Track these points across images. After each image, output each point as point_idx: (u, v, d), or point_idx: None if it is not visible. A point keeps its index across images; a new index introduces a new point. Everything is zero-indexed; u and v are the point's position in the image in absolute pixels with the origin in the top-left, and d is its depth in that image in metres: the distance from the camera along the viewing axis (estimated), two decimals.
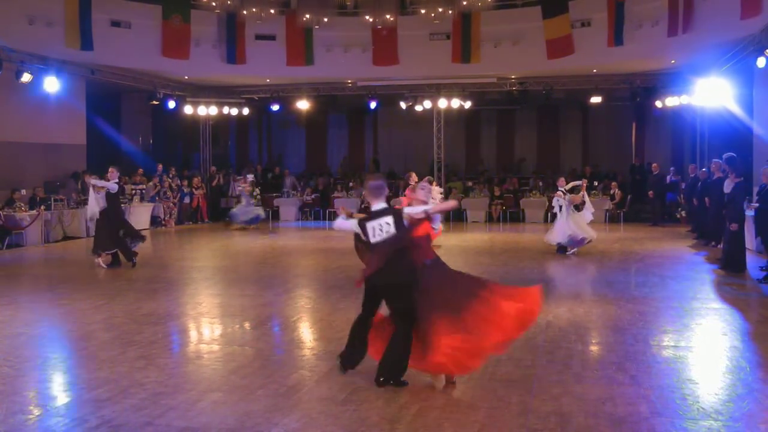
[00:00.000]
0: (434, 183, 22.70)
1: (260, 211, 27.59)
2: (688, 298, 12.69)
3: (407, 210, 7.86)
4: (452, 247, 20.88)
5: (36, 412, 7.10)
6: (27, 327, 10.72)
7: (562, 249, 18.84)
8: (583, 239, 18.65)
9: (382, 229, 7.65)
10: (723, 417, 6.69)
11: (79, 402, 7.25)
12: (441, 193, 22.62)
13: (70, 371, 8.43)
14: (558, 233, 18.80)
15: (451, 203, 9.08)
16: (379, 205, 7.80)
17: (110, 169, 17.26)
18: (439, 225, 7.89)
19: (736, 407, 7.02)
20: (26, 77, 21.95)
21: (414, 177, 22.78)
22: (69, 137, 26.28)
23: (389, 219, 7.66)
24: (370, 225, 7.71)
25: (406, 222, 7.72)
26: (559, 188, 18.88)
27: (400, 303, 7.58)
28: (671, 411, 6.82)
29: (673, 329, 10.41)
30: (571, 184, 19.51)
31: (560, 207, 18.69)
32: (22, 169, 23.75)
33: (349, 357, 7.85)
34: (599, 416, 6.69)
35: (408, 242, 7.72)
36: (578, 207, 18.99)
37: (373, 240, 7.69)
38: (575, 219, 18.76)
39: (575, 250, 18.82)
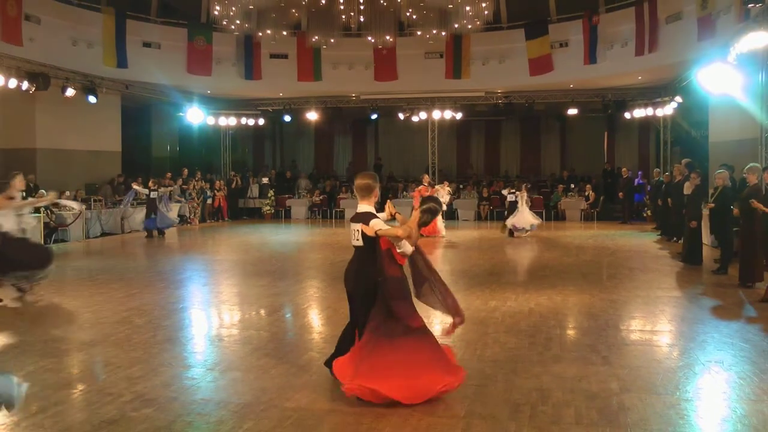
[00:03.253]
0: (446, 184, 23.39)
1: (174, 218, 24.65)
2: (653, 287, 12.69)
3: (371, 222, 6.52)
4: (444, 242, 20.90)
5: (80, 387, 7.12)
6: (71, 313, 10.75)
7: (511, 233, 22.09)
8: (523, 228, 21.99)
9: (354, 235, 6.76)
10: (681, 392, 6.72)
11: (115, 379, 7.26)
12: (450, 193, 22.87)
13: (107, 352, 8.44)
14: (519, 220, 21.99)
15: (398, 231, 6.31)
16: (362, 206, 6.80)
17: (16, 177, 11.75)
18: (405, 248, 6.43)
19: (694, 383, 7.05)
20: (70, 92, 22.18)
21: (427, 178, 23.23)
22: (106, 145, 26.39)
23: (359, 227, 6.67)
24: (351, 225, 6.84)
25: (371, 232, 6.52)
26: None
27: (355, 305, 6.86)
28: (638, 387, 6.83)
29: (640, 315, 10.44)
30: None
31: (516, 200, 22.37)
32: (66, 173, 23.87)
33: (331, 359, 7.05)
34: (575, 392, 6.72)
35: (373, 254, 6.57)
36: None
37: (352, 242, 6.84)
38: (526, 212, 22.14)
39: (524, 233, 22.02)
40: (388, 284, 6.45)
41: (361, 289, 6.70)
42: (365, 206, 6.76)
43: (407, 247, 6.50)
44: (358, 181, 6.89)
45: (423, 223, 6.71)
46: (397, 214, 6.96)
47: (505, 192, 23.72)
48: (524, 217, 22.03)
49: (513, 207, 22.45)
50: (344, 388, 6.37)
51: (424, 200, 6.87)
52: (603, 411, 6.20)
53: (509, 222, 22.27)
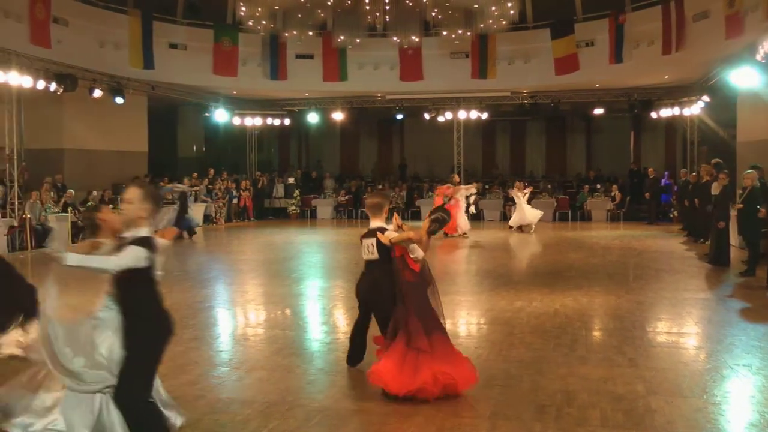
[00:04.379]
0: (474, 185, 24.29)
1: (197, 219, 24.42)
2: (679, 289, 12.60)
3: (385, 233, 7.07)
4: (470, 242, 20.86)
5: None
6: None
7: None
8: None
9: (368, 249, 7.25)
10: (709, 395, 6.67)
11: None
12: (474, 193, 23.14)
13: None
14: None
15: (410, 234, 6.93)
16: (374, 223, 7.31)
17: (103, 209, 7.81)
18: (417, 254, 6.87)
19: (721, 387, 6.99)
20: (97, 93, 22.32)
21: (457, 178, 23.49)
22: (133, 145, 26.58)
23: (373, 241, 7.18)
24: (363, 241, 7.36)
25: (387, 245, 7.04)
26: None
27: (378, 313, 7.31)
28: (665, 390, 6.78)
29: (666, 317, 10.36)
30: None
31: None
32: (93, 173, 24.09)
33: (351, 356, 7.57)
34: (601, 394, 6.68)
35: (389, 265, 7.08)
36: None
37: (364, 256, 7.37)
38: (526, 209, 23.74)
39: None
40: (405, 289, 6.86)
41: (381, 299, 7.11)
42: (377, 222, 7.30)
43: (419, 252, 6.89)
44: (370, 200, 7.57)
45: (431, 232, 7.12)
46: (403, 225, 7.34)
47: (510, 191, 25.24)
48: (524, 214, 23.59)
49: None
50: (414, 387, 6.42)
51: (433, 211, 7.45)
52: (629, 413, 6.17)
53: (512, 221, 24.04)
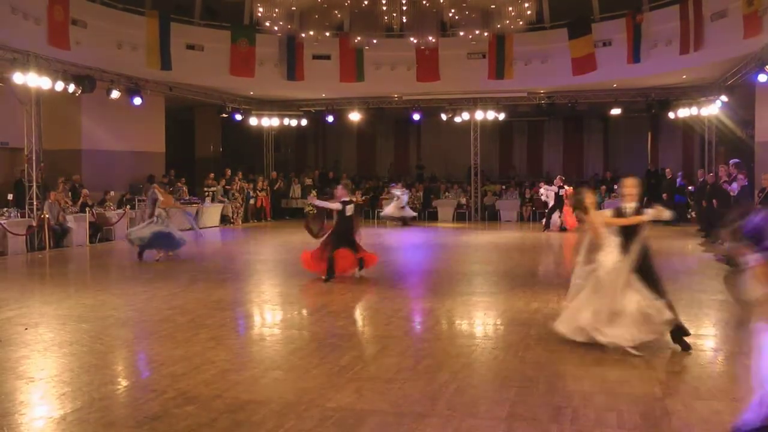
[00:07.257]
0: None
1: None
2: (697, 290, 12.52)
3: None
4: (487, 243, 20.81)
5: (123, 383, 7.23)
6: (115, 310, 10.90)
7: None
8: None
9: (348, 210, 14.17)
10: (726, 397, 6.61)
11: (158, 376, 7.35)
12: (563, 187, 25.05)
13: (151, 349, 8.55)
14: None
15: (333, 205, 14.77)
16: (345, 198, 14.21)
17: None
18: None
19: (737, 388, 6.94)
20: (115, 94, 22.46)
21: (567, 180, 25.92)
22: (150, 145, 26.69)
23: (353, 206, 14.28)
24: (347, 206, 14.19)
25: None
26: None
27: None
28: (682, 392, 6.75)
29: (683, 318, 10.22)
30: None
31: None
32: (111, 173, 24.21)
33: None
34: (618, 395, 6.64)
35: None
36: None
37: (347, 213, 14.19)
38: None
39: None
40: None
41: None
42: (345, 198, 14.41)
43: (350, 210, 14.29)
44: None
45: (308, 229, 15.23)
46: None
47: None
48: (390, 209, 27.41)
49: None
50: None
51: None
52: (646, 415, 6.13)
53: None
